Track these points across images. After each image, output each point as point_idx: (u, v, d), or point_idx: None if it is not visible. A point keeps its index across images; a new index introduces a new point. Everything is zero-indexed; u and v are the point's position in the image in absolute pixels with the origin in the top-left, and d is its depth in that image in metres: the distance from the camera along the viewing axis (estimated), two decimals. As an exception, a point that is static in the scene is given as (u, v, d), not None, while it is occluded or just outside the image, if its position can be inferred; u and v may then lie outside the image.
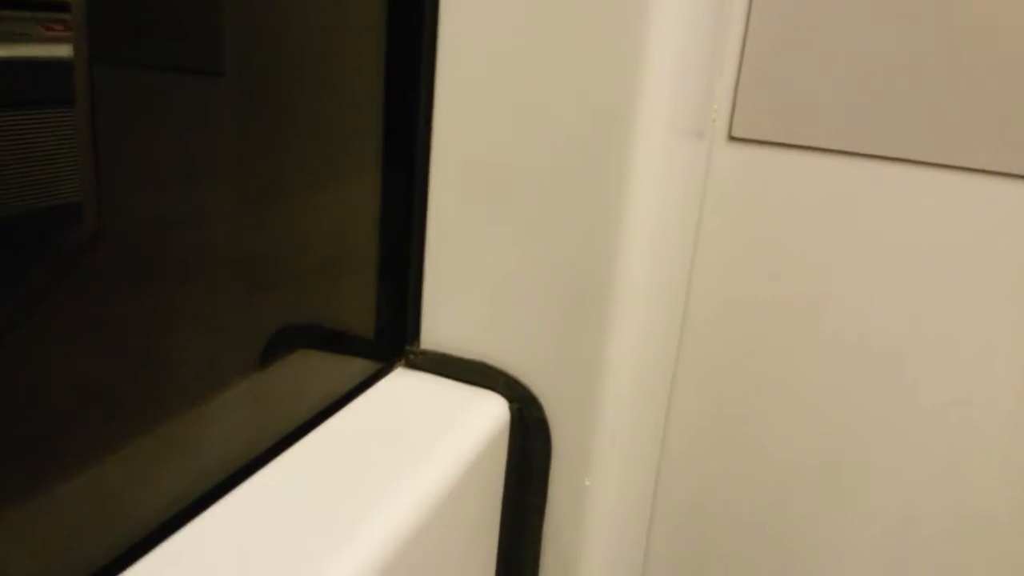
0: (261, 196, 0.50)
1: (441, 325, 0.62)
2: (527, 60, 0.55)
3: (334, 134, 0.56)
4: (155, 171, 0.40)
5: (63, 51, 0.32)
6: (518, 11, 0.54)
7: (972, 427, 0.76)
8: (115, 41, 0.35)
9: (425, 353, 0.62)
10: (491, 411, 0.60)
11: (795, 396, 0.81)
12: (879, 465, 0.79)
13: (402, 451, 0.53)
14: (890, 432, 0.78)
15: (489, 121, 0.57)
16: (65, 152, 0.33)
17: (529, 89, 0.55)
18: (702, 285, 0.81)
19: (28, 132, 0.31)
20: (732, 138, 0.75)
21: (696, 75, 0.65)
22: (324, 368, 0.58)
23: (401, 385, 0.61)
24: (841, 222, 0.75)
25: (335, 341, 0.60)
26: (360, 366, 0.61)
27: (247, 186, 0.48)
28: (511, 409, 0.60)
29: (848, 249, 0.75)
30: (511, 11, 0.54)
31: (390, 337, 0.63)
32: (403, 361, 0.63)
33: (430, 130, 0.58)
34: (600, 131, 0.55)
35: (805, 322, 0.78)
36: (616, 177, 0.55)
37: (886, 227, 0.74)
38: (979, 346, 0.74)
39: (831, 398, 0.79)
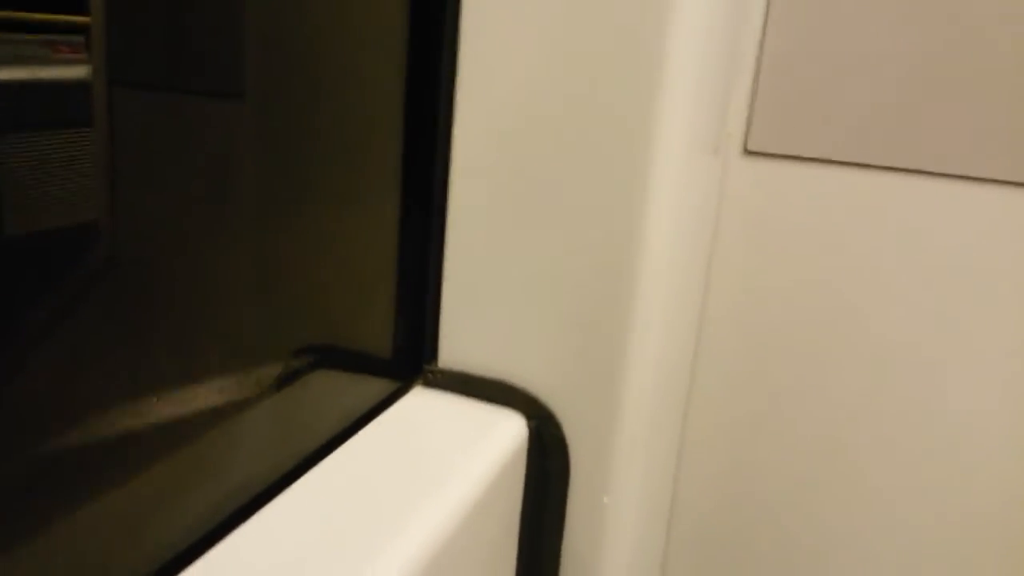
0: (278, 216, 0.50)
1: (459, 343, 0.62)
2: (545, 75, 0.55)
3: (352, 154, 0.56)
4: (173, 193, 0.40)
5: (74, 73, 0.32)
6: (536, 27, 0.55)
7: (995, 434, 0.75)
8: (132, 64, 0.36)
9: (443, 372, 0.62)
10: (509, 430, 0.59)
11: (815, 408, 0.80)
12: (903, 472, 0.79)
13: (420, 472, 0.53)
14: (913, 439, 0.77)
15: (507, 138, 0.57)
16: (82, 174, 0.34)
17: (547, 105, 0.56)
18: (719, 299, 0.81)
19: (43, 154, 0.31)
20: (747, 152, 0.75)
21: (712, 89, 0.65)
22: (343, 388, 0.59)
23: (419, 404, 0.61)
24: (858, 235, 0.75)
25: (353, 361, 0.60)
26: (379, 386, 0.61)
27: (265, 207, 0.49)
28: (529, 427, 0.60)
29: (867, 261, 0.75)
30: (530, 27, 0.55)
31: (408, 356, 0.63)
32: (421, 380, 0.63)
33: (449, 148, 0.59)
34: (618, 147, 0.55)
35: (824, 335, 0.78)
36: (633, 194, 0.55)
37: (905, 239, 0.73)
38: (1004, 354, 0.73)
39: (852, 409, 0.79)
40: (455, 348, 0.62)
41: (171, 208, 0.41)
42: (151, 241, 0.40)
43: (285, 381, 0.53)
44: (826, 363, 0.78)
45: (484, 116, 0.57)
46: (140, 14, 0.36)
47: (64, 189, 0.33)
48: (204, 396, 0.47)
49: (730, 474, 0.85)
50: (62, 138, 0.32)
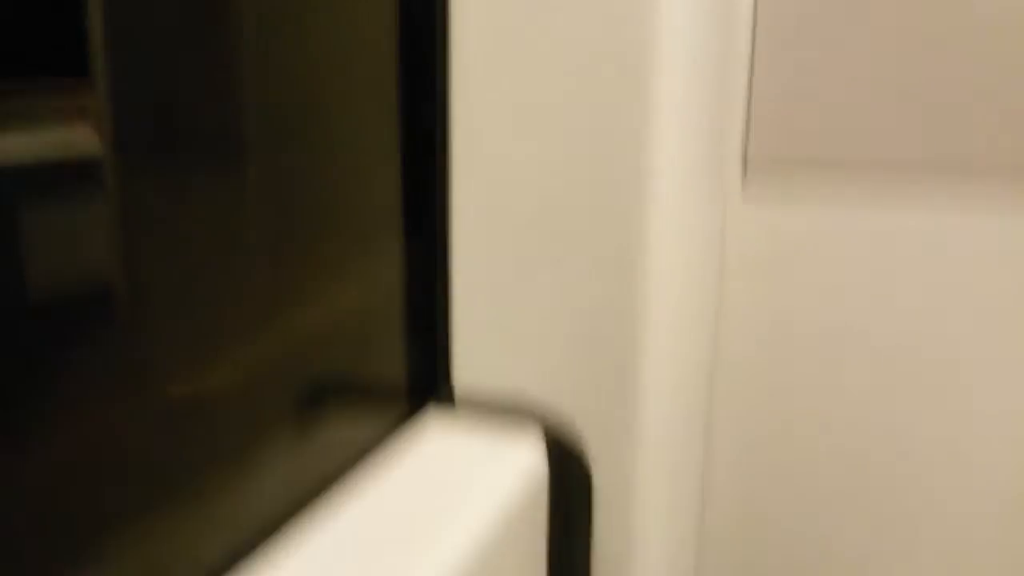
0: (284, 245, 0.49)
1: (471, 365, 0.61)
2: (539, 104, 0.54)
3: (353, 180, 0.55)
4: (182, 227, 0.39)
5: (83, 139, 0.32)
6: (527, 58, 0.54)
7: (1012, 435, 0.75)
8: (136, 135, 0.35)
9: (457, 395, 0.61)
10: (527, 451, 0.58)
11: (833, 422, 0.79)
12: (925, 478, 0.78)
13: (441, 501, 0.52)
14: (934, 448, 0.77)
15: (506, 166, 0.56)
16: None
17: (543, 130, 0.55)
18: (732, 315, 0.80)
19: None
20: (748, 160, 0.74)
21: (708, 103, 0.65)
22: (357, 418, 0.57)
23: (434, 430, 0.60)
24: (865, 261, 0.74)
25: (366, 389, 0.59)
26: (393, 412, 0.60)
27: (270, 237, 0.48)
28: (548, 445, 0.59)
29: (874, 279, 0.74)
30: (523, 52, 0.54)
31: (421, 381, 0.62)
32: (435, 404, 0.61)
33: (447, 173, 0.58)
34: (616, 157, 0.54)
35: (841, 350, 0.77)
36: (637, 203, 0.54)
37: (908, 266, 0.73)
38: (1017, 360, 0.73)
39: (869, 424, 0.78)
40: (468, 370, 0.61)
41: (179, 242, 0.40)
42: (161, 274, 0.39)
43: (298, 414, 0.52)
44: (839, 372, 0.78)
45: (479, 140, 0.57)
46: (141, 84, 0.35)
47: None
48: (216, 433, 0.45)
49: (759, 487, 0.84)
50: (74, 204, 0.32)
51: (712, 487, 0.85)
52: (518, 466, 0.57)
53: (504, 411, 0.60)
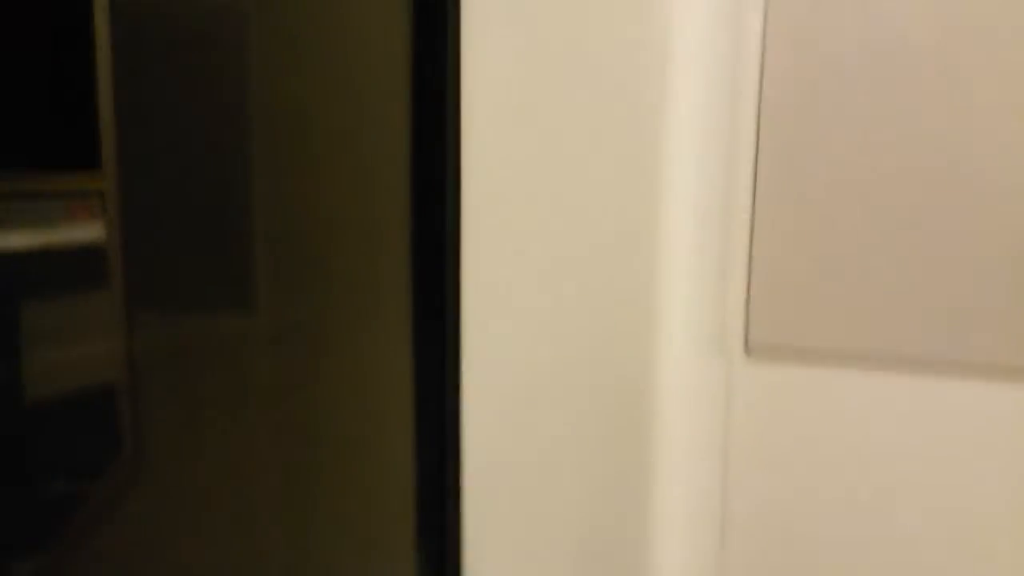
0: (295, 456, 0.49)
1: None
2: (544, 312, 0.57)
3: (365, 385, 0.56)
4: (189, 415, 0.40)
5: (90, 233, 0.32)
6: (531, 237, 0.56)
7: None
8: (152, 285, 0.36)
9: None
10: None
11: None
12: None
13: None
14: None
15: (516, 387, 0.57)
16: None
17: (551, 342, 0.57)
18: (736, 506, 0.78)
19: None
20: (749, 351, 0.76)
21: (707, 292, 0.67)
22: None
23: None
24: (863, 435, 0.74)
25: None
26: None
27: (282, 447, 0.48)
28: None
29: (873, 459, 0.74)
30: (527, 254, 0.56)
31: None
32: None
33: (458, 371, 0.59)
34: (623, 366, 0.55)
35: (839, 532, 0.75)
36: (642, 414, 0.56)
37: (913, 439, 0.73)
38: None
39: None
40: None
41: (186, 433, 0.40)
42: (167, 461, 0.39)
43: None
44: (843, 554, 0.76)
45: (491, 353, 0.58)
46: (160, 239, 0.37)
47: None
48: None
49: None
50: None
51: None
52: None
53: None
